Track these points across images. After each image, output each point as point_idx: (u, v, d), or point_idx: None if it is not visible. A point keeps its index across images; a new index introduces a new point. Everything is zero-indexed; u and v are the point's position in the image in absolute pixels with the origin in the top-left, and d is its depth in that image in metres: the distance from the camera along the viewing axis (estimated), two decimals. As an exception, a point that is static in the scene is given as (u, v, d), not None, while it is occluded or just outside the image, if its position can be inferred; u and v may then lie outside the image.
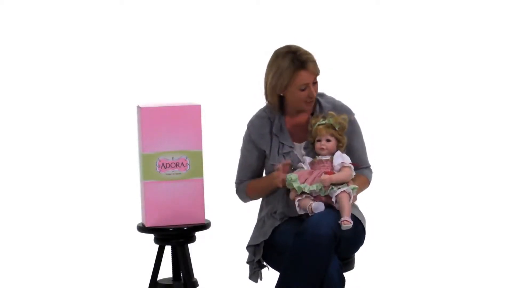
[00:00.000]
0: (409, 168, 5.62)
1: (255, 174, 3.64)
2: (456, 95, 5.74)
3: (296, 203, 3.41)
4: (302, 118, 3.56)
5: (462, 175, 5.60)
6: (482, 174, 5.62)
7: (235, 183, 3.69)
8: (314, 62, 3.46)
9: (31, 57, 5.64)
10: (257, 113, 3.63)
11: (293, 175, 3.39)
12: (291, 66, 3.42)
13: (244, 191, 3.64)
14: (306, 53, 3.46)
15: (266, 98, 3.57)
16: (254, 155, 3.60)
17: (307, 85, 3.45)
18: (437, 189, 5.55)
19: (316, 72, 3.46)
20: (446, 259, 4.98)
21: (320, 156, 3.44)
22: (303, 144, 3.54)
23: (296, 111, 3.55)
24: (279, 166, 3.43)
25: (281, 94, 3.51)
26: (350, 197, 3.36)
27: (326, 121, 3.44)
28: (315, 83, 3.48)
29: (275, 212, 3.56)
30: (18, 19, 5.63)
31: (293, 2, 5.73)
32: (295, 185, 3.36)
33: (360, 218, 3.52)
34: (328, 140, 3.43)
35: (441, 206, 5.49)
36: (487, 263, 4.89)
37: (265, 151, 3.58)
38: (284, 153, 3.53)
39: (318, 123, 3.44)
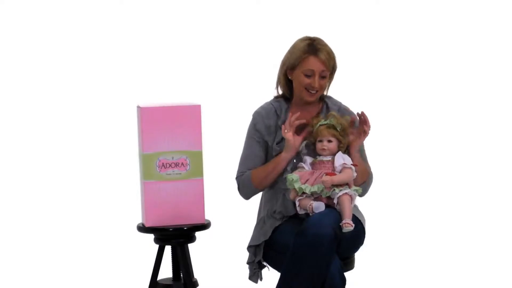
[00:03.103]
0: (409, 168, 5.62)
1: (258, 166, 3.55)
2: (456, 95, 5.74)
3: (297, 203, 3.40)
4: (308, 115, 3.54)
5: (462, 175, 5.60)
6: (481, 174, 5.62)
7: (237, 177, 3.59)
8: (328, 54, 3.47)
9: (31, 57, 5.64)
10: (263, 105, 3.62)
11: (294, 176, 3.38)
12: (304, 49, 3.46)
13: (249, 178, 3.52)
14: (324, 45, 3.49)
15: (277, 84, 3.59)
16: (258, 144, 3.55)
17: (312, 72, 3.45)
18: (436, 189, 5.55)
19: (326, 64, 3.45)
20: (446, 259, 4.98)
21: (321, 157, 3.43)
22: (304, 143, 3.52)
23: (302, 104, 3.54)
24: (290, 118, 3.43)
25: (289, 78, 3.52)
26: (352, 200, 3.36)
27: (328, 121, 3.43)
28: (323, 77, 3.47)
29: (274, 212, 3.56)
30: (18, 19, 5.64)
31: (293, 2, 5.73)
32: (296, 186, 3.35)
33: (360, 218, 3.52)
34: (329, 141, 3.41)
35: (440, 206, 5.50)
36: (487, 263, 4.89)
37: (267, 143, 3.56)
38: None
39: (319, 123, 3.43)
